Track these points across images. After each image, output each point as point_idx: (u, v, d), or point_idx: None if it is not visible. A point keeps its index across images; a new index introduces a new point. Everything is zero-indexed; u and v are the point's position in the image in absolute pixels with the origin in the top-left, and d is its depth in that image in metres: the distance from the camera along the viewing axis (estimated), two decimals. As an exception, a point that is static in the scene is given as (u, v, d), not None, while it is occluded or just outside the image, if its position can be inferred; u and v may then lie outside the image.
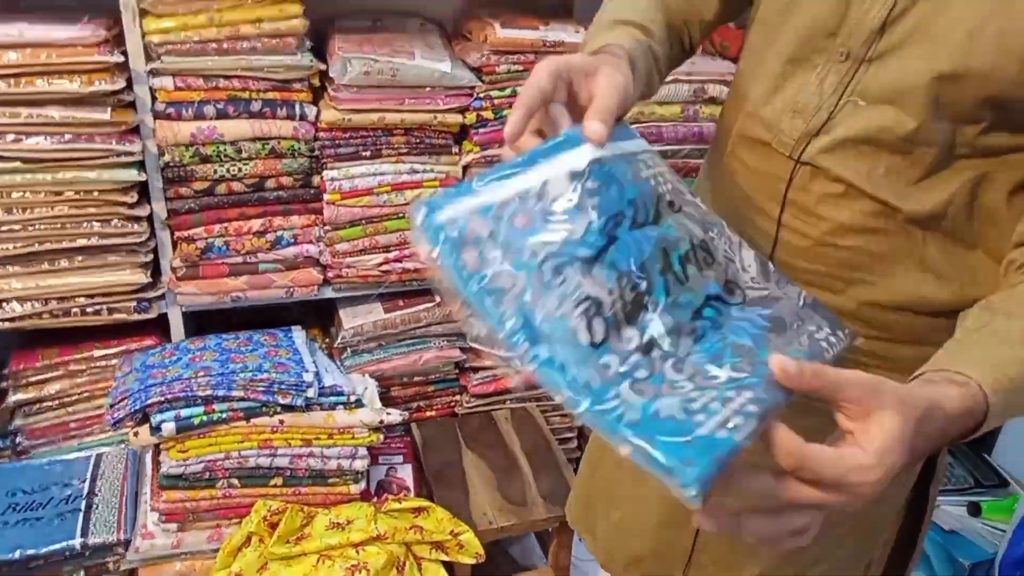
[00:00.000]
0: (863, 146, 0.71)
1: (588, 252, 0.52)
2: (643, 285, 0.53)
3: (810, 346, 0.55)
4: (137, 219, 1.52)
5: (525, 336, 0.48)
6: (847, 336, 0.57)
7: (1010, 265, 0.69)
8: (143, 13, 1.42)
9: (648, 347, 0.51)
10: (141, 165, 1.49)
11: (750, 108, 0.80)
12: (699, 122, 1.78)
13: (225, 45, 1.46)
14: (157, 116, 1.48)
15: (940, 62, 0.65)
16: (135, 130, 1.47)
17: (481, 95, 1.63)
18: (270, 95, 1.53)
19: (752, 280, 0.58)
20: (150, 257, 1.57)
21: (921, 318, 0.74)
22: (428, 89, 1.59)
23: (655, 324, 0.52)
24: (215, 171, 1.54)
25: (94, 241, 1.49)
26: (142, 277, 1.55)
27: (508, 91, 1.64)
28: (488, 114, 1.65)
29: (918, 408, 0.49)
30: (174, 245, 1.60)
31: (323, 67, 1.55)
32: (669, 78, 1.70)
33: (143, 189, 1.53)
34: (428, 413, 1.91)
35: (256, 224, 1.61)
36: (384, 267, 1.72)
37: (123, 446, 1.63)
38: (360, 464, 1.56)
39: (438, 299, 1.82)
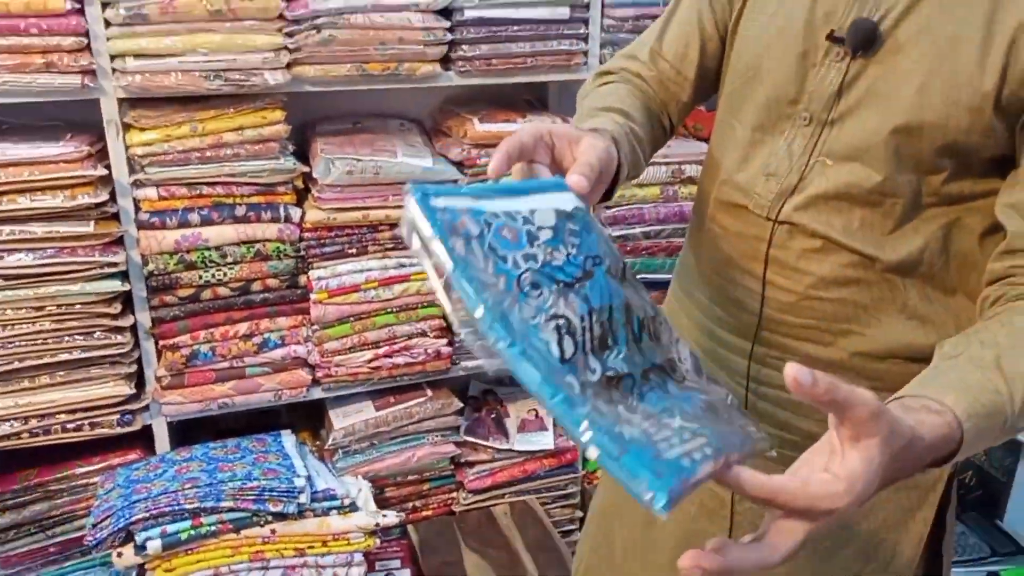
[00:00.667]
0: (835, 201, 0.75)
1: (565, 277, 0.54)
2: (609, 326, 0.55)
3: (743, 433, 0.55)
4: (120, 330, 1.49)
5: (502, 328, 0.49)
6: (764, 439, 0.57)
7: (984, 301, 0.70)
8: (126, 127, 1.44)
9: (608, 383, 0.52)
10: (124, 275, 1.48)
11: (724, 175, 0.84)
12: (679, 202, 1.80)
13: (208, 153, 1.48)
14: (141, 226, 1.48)
15: (895, 117, 0.70)
16: (119, 241, 1.47)
17: (464, 188, 1.65)
18: (254, 199, 1.54)
19: (686, 371, 0.60)
20: (134, 368, 1.54)
21: (910, 365, 0.72)
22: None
23: (618, 364, 0.54)
24: (200, 277, 1.53)
25: (76, 355, 1.46)
26: (126, 389, 1.51)
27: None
28: (471, 206, 1.66)
29: (903, 438, 0.50)
30: (158, 354, 1.57)
31: (306, 169, 1.57)
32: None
33: (126, 299, 1.52)
34: (424, 512, 1.85)
35: (243, 328, 1.59)
36: (374, 363, 1.70)
37: (107, 569, 1.55)
38: (357, 572, 1.49)
39: (430, 393, 1.79)
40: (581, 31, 1.62)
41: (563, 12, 1.57)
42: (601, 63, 1.65)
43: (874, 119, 0.71)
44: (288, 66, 1.47)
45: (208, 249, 1.52)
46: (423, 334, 1.73)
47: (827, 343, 0.79)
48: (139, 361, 1.55)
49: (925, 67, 0.68)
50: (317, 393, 1.69)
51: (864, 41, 0.70)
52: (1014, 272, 0.68)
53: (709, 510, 0.91)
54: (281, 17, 1.43)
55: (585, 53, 1.63)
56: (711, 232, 0.86)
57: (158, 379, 1.56)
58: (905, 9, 0.69)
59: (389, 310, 1.69)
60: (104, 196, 1.42)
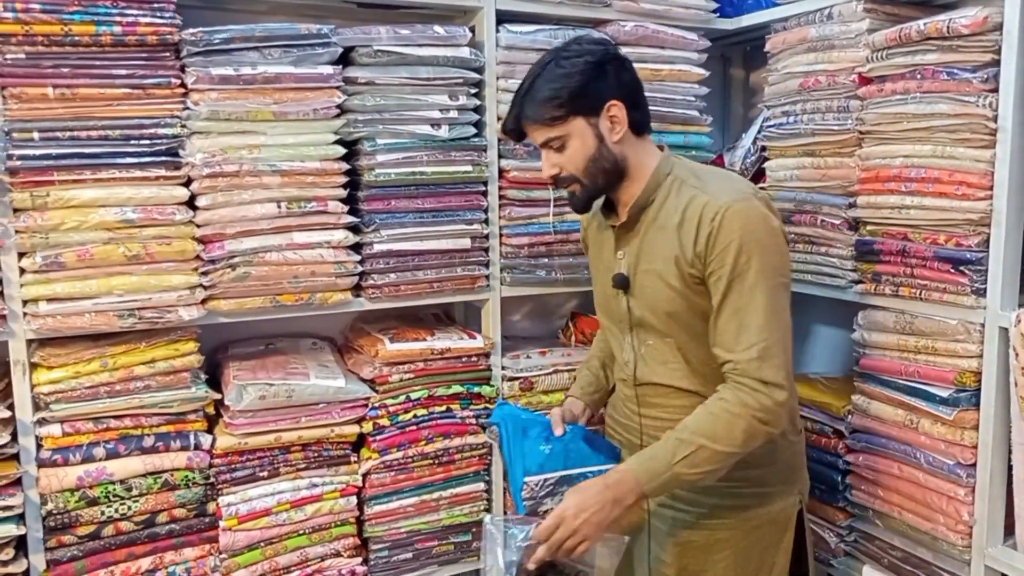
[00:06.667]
0: (667, 364, 1.35)
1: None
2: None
3: None
4: (11, 577, 1.42)
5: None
6: None
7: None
8: (33, 366, 1.44)
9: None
10: (20, 517, 1.43)
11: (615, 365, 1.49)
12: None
13: (118, 387, 1.48)
14: (42, 464, 1.45)
15: (661, 309, 1.32)
16: (16, 482, 1.42)
17: (376, 405, 1.69)
18: (163, 428, 1.54)
19: None
20: (23, 618, 1.44)
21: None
22: (323, 404, 1.64)
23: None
24: (102, 513, 1.49)
25: (-41, 611, 1.37)
26: (11, 646, 1.41)
27: (401, 398, 1.72)
28: (384, 421, 1.70)
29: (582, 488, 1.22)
30: (51, 599, 1.48)
31: (218, 396, 1.59)
32: (550, 369, 1.86)
33: (20, 542, 1.45)
34: None
35: (145, 563, 1.53)
36: (285, 589, 1.65)
37: None
38: None
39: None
40: (482, 258, 1.75)
41: (465, 243, 1.72)
42: (502, 284, 1.79)
43: (655, 315, 1.32)
44: (203, 301, 1.52)
45: (112, 483, 1.49)
46: (337, 554, 1.70)
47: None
48: (28, 609, 1.46)
49: (653, 286, 1.32)
50: (223, 626, 1.61)
51: (624, 284, 1.35)
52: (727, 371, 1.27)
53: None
54: (198, 258, 1.51)
55: (487, 277, 1.77)
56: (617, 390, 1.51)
57: (48, 628, 1.46)
58: (634, 265, 1.34)
59: (301, 532, 1.66)
60: (6, 438, 1.40)
